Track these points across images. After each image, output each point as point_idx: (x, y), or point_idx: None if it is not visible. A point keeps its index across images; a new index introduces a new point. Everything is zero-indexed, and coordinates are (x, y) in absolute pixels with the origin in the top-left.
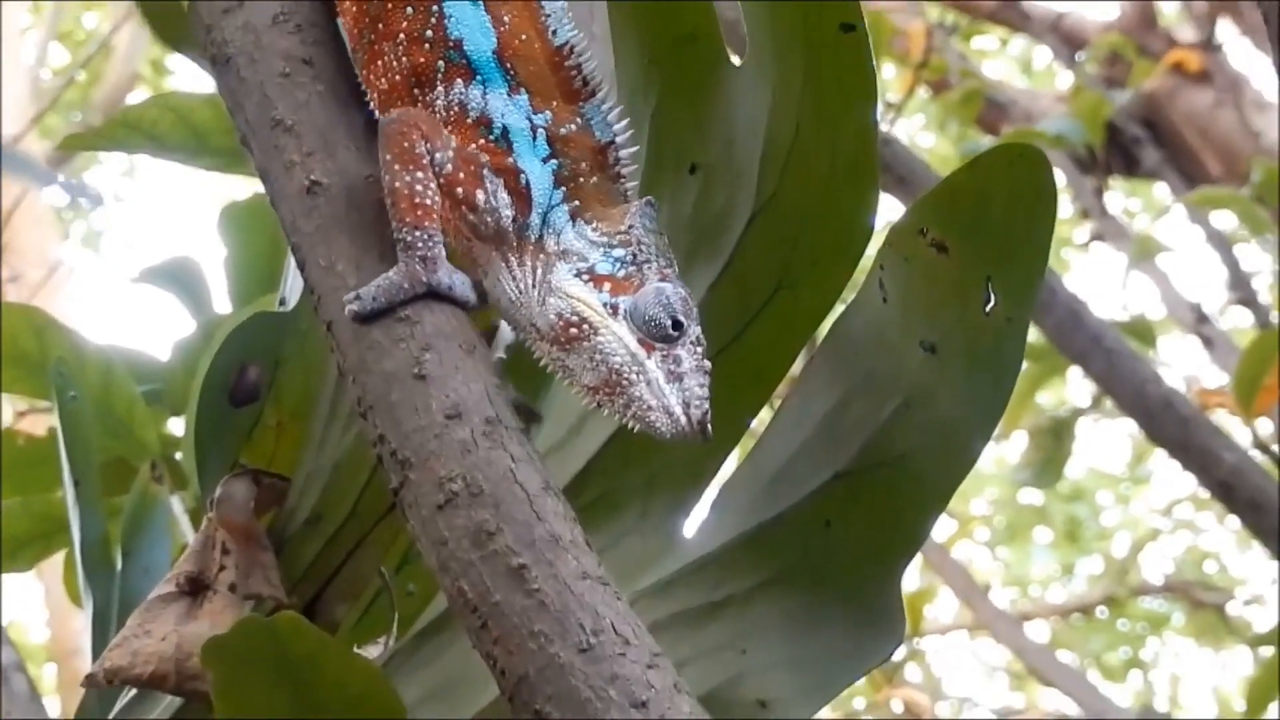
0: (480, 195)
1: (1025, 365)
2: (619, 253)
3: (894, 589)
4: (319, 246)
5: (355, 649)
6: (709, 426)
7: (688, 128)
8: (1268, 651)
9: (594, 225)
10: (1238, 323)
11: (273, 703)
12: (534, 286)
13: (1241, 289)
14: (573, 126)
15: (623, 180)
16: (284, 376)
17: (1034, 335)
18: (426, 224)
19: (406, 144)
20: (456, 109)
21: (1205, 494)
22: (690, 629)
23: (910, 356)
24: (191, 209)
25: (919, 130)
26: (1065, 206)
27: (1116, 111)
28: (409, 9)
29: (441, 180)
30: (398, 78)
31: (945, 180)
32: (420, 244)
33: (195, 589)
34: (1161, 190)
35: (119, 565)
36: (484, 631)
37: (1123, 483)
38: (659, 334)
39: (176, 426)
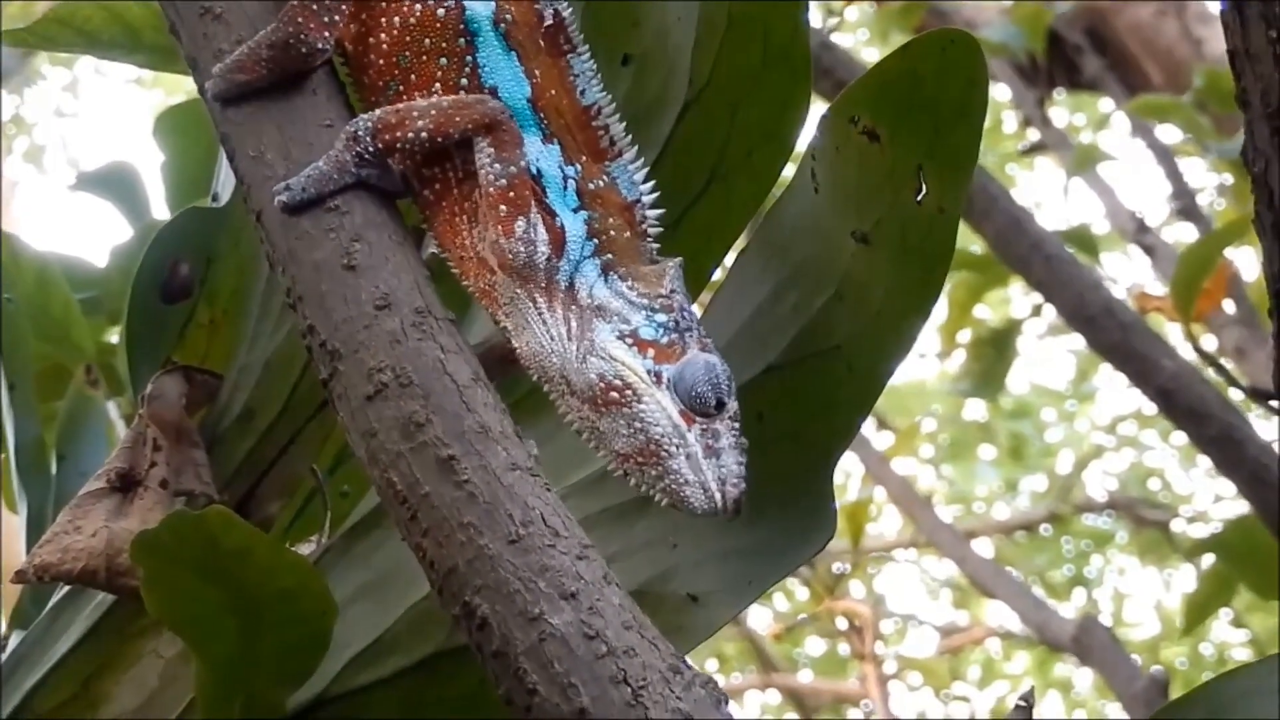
0: (521, 224)
1: (966, 275)
2: (661, 318)
3: (826, 482)
4: (248, 137)
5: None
6: (741, 505)
7: (621, 19)
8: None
9: (630, 284)
10: (1181, 236)
11: (203, 597)
12: (570, 339)
13: (1184, 199)
14: (601, 183)
15: (649, 240)
16: (216, 274)
17: (975, 245)
18: (398, 139)
19: (495, 121)
20: None
21: (1149, 411)
22: (620, 524)
23: (842, 247)
24: (135, 124)
25: (863, 45)
26: (1010, 121)
27: (1058, 20)
28: (443, 60)
29: (491, 191)
30: None
31: (876, 66)
32: (370, 150)
33: (126, 485)
34: (1106, 106)
35: (54, 469)
36: (413, 523)
37: (1067, 400)
38: (701, 408)
39: (115, 336)
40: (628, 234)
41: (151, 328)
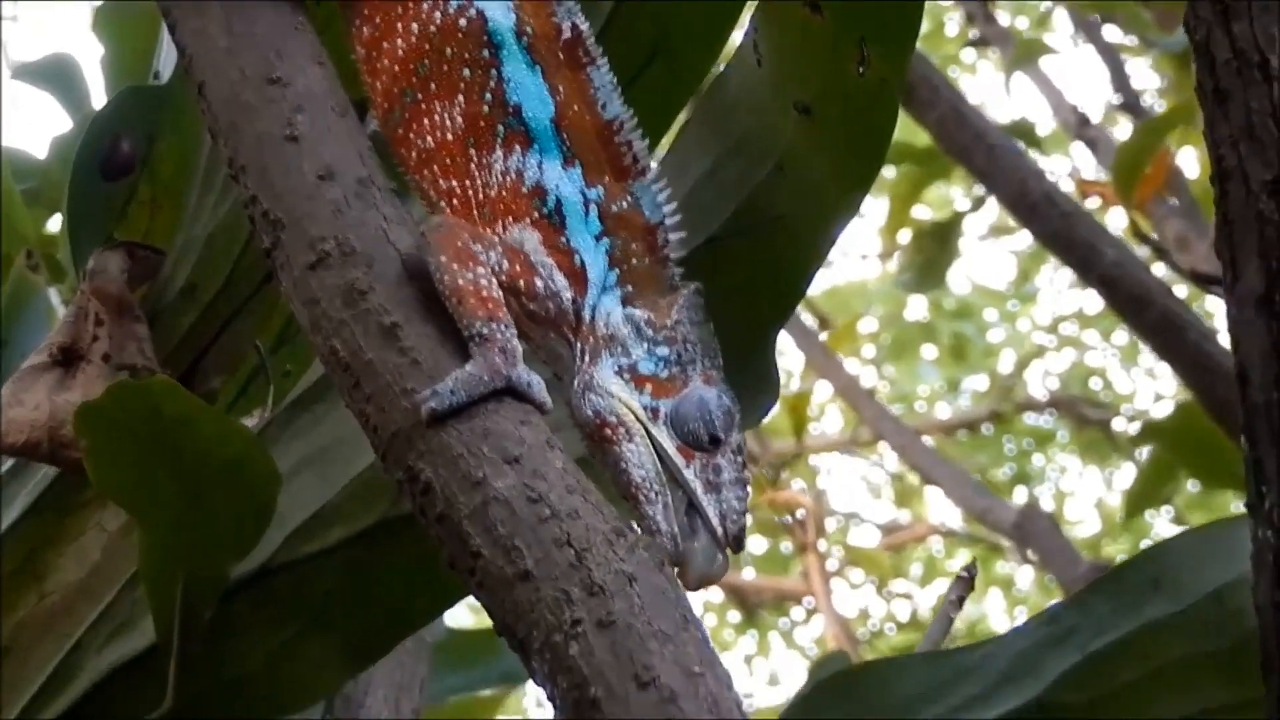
0: (539, 283)
1: (908, 169)
2: (663, 351)
3: (768, 352)
4: (190, 14)
5: None
6: (744, 541)
7: None
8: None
9: (643, 314)
10: (1124, 133)
11: (145, 468)
12: (577, 372)
13: (1126, 94)
14: (624, 204)
15: (670, 265)
16: (158, 151)
17: (917, 136)
18: (500, 315)
19: (460, 243)
20: (513, 176)
21: (1091, 310)
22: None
23: (784, 119)
24: (76, 25)
25: None
26: (952, 26)
27: None
28: (467, 70)
29: (502, 279)
30: (449, 137)
31: None
32: (498, 335)
33: (68, 359)
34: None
35: None
36: (356, 390)
37: (1008, 300)
38: (698, 444)
39: (55, 226)
40: (648, 260)
41: (93, 205)
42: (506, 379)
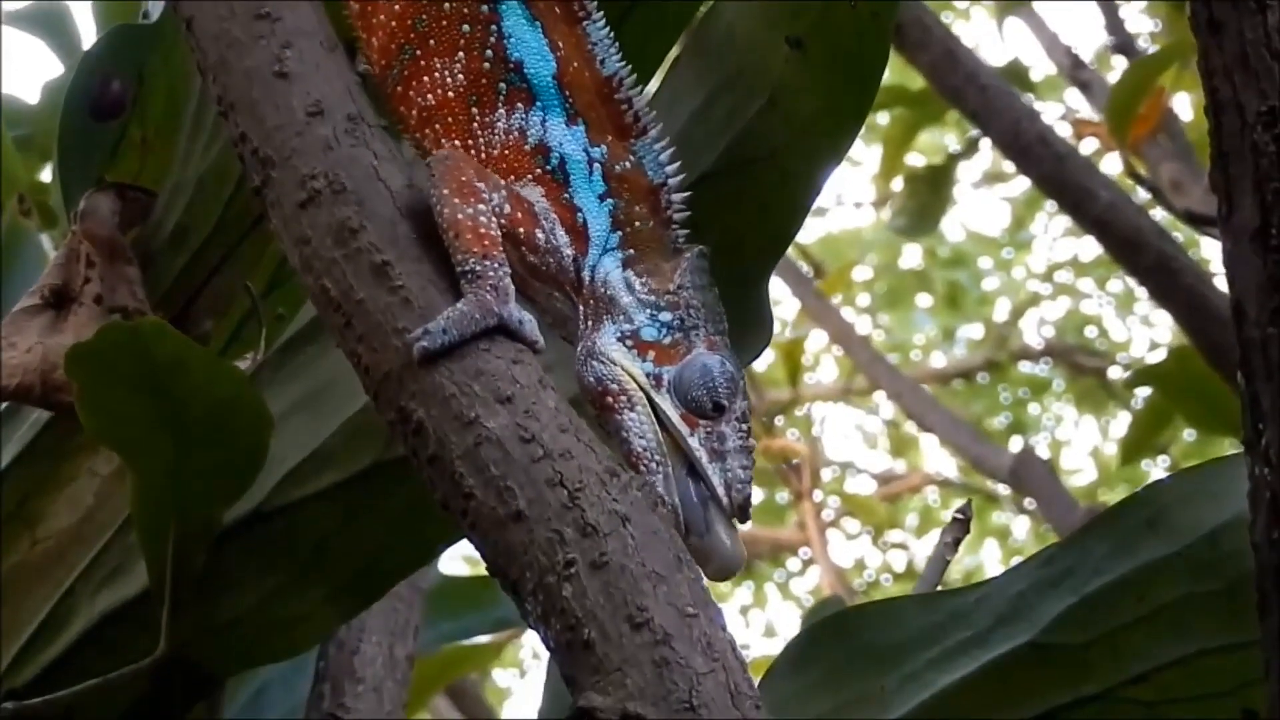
0: (540, 235)
1: (901, 112)
2: (665, 317)
3: (761, 290)
4: None
5: None
6: (749, 511)
7: None
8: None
9: (644, 280)
10: (1116, 76)
11: (137, 410)
12: (580, 338)
13: (1119, 35)
14: (627, 164)
15: (674, 226)
16: (148, 91)
17: (911, 80)
18: (495, 253)
19: (464, 178)
20: (516, 134)
21: (1086, 258)
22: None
23: (775, 53)
24: None
25: None
26: None
27: None
28: (466, 26)
29: (502, 221)
30: (450, 95)
31: None
32: (491, 273)
33: (60, 302)
34: None
35: None
36: (348, 330)
37: (1003, 247)
38: (701, 412)
39: (47, 174)
40: (652, 222)
41: (83, 146)
42: (499, 317)
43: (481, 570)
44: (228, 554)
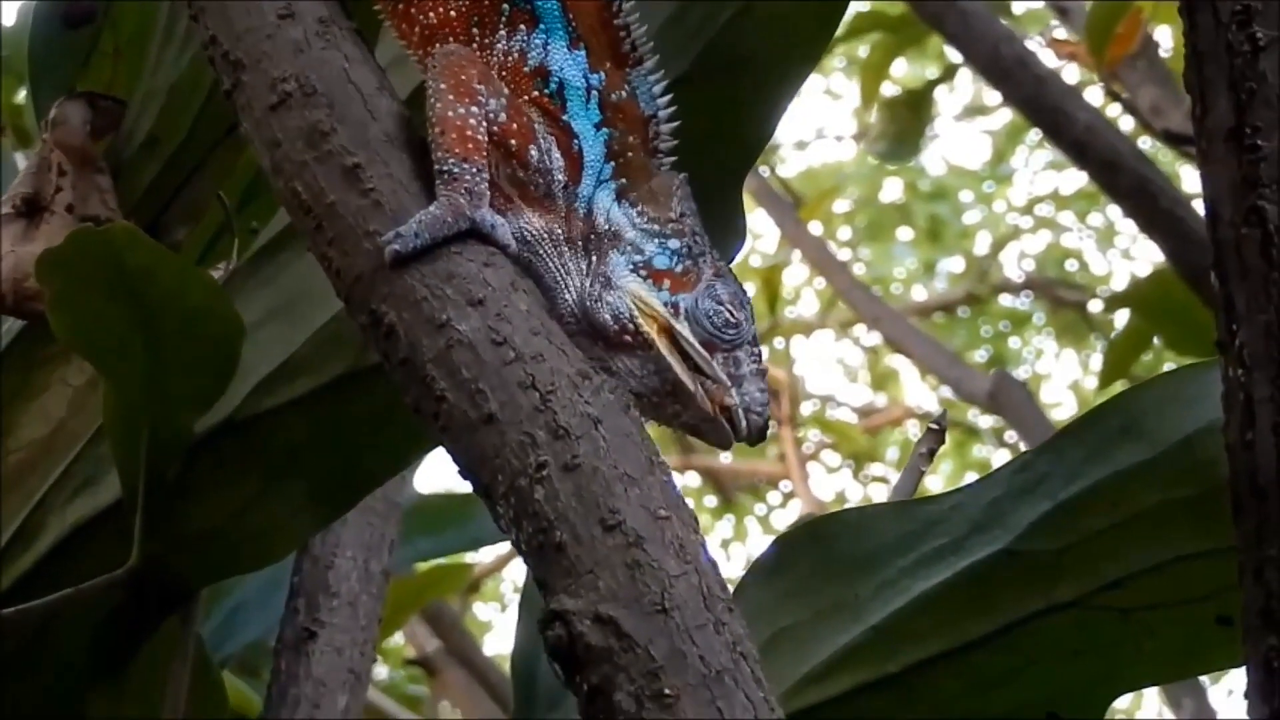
0: (534, 151)
1: (881, 37)
2: (674, 244)
3: (735, 194)
4: None
5: None
6: (766, 433)
7: None
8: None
9: (640, 209)
10: None
11: (109, 316)
12: (586, 273)
13: None
14: (623, 94)
15: (660, 157)
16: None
17: (890, 6)
18: (475, 158)
19: (464, 77)
20: (516, 56)
21: (1066, 191)
22: None
23: None
24: None
25: None
26: None
27: None
28: None
29: (495, 129)
30: (453, 14)
31: None
32: (468, 177)
33: (31, 210)
34: None
35: None
36: (319, 233)
37: (984, 181)
38: (720, 336)
39: (22, 97)
40: (642, 154)
41: (55, 55)
42: (471, 220)
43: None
44: (201, 464)
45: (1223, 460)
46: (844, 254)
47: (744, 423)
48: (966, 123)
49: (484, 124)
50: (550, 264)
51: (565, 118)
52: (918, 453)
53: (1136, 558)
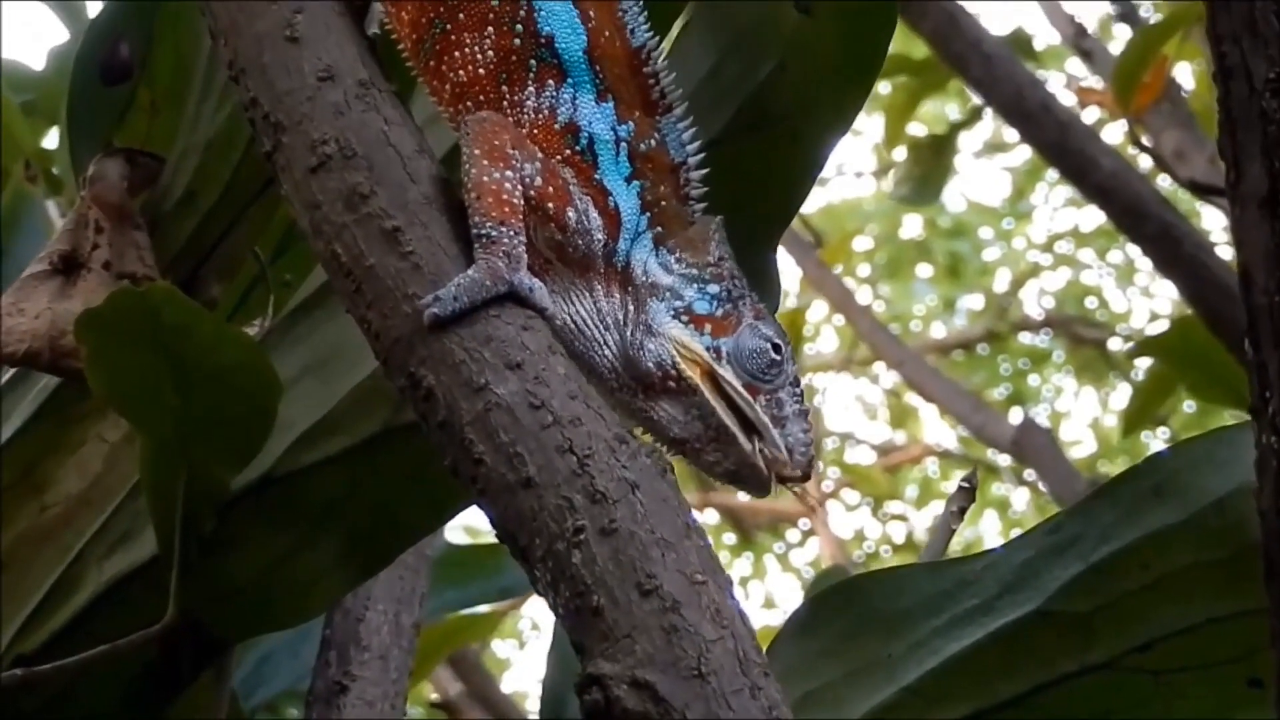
0: (571, 214)
1: (905, 81)
2: (713, 289)
3: (770, 254)
4: None
5: None
6: (810, 472)
7: None
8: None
9: (678, 255)
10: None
11: (146, 374)
12: (626, 324)
13: (1121, 3)
14: (652, 142)
15: (692, 203)
16: (157, 55)
17: (914, 48)
18: (513, 221)
19: (497, 142)
20: (546, 113)
21: (1086, 228)
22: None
23: (785, 15)
24: None
25: None
26: None
27: None
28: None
29: (531, 193)
30: (481, 71)
31: None
32: (505, 240)
33: (69, 267)
34: None
35: None
36: (358, 295)
37: (1004, 218)
38: (760, 381)
39: (53, 141)
40: (674, 201)
41: (92, 111)
42: (509, 284)
43: (485, 539)
44: (237, 519)
45: (1254, 522)
46: (863, 291)
47: (793, 462)
48: (986, 159)
49: (519, 187)
50: (590, 322)
51: (597, 175)
52: (949, 510)
53: (1168, 619)
